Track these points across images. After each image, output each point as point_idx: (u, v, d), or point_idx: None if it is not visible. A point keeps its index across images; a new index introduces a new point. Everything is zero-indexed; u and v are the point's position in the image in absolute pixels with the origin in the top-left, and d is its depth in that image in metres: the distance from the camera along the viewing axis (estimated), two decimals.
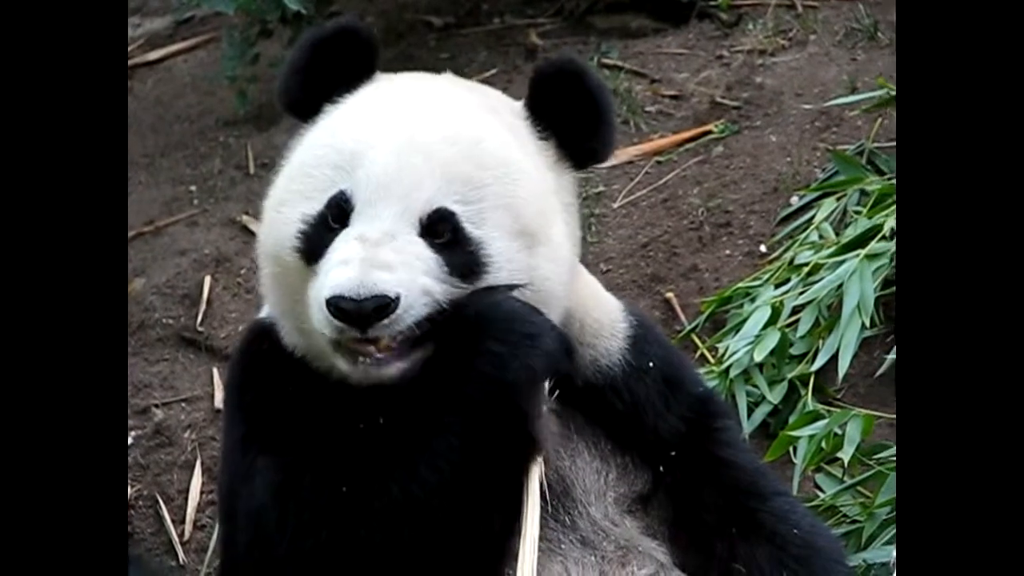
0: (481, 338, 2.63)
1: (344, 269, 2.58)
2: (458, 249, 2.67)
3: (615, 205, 4.69)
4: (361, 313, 2.56)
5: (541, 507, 2.65)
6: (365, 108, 2.78)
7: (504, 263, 2.70)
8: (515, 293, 2.69)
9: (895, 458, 3.19)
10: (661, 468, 2.87)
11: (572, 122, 2.83)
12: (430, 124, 2.73)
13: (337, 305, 2.56)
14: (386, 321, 2.58)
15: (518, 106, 2.88)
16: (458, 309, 2.65)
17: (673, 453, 2.87)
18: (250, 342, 2.93)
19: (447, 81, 3.00)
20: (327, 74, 2.81)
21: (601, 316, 2.95)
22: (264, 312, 2.94)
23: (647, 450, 2.88)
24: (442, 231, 2.67)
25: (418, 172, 2.67)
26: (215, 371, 4.46)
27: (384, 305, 2.57)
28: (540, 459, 2.66)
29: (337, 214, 2.67)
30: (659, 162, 4.85)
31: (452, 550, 2.60)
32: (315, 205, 2.69)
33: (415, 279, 2.61)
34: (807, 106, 4.87)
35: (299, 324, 2.74)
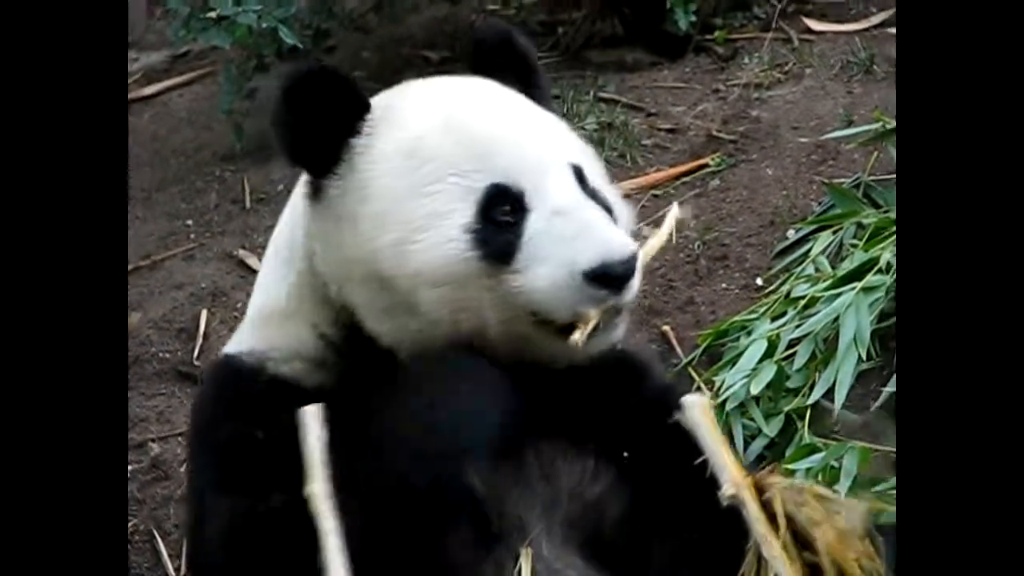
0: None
1: (592, 238, 2.51)
2: (598, 198, 2.67)
3: None
4: (628, 273, 2.50)
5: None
6: (439, 115, 2.67)
7: (616, 202, 2.73)
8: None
9: (893, 491, 3.18)
10: (625, 455, 2.71)
11: (519, 83, 2.84)
12: (505, 101, 2.73)
13: (606, 272, 2.48)
14: (633, 280, 2.54)
15: None
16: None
17: (639, 439, 2.72)
18: (224, 379, 2.83)
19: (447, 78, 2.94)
20: (323, 119, 2.66)
21: None
22: (235, 347, 2.85)
23: (613, 438, 2.72)
24: (586, 185, 2.67)
25: (545, 139, 2.66)
26: None
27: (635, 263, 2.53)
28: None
29: (511, 206, 2.57)
30: (656, 195, 4.85)
31: None
32: (467, 212, 2.57)
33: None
34: (803, 139, 4.88)
35: (476, 329, 2.60)
